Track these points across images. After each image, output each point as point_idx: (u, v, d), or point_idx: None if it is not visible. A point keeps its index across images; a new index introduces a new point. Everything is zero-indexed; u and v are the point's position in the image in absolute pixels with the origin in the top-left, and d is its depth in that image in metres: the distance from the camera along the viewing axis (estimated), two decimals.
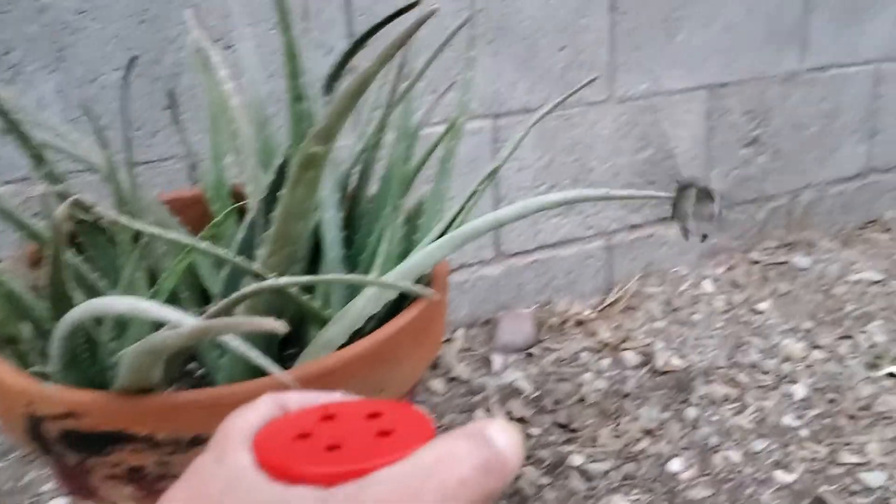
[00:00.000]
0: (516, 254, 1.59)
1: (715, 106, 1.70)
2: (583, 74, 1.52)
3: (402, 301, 0.79)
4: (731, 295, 1.66)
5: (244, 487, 0.29)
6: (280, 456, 0.30)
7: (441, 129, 0.93)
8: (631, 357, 1.45)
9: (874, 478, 1.17)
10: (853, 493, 1.15)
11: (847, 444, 1.22)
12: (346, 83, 0.67)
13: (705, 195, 0.94)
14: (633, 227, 1.69)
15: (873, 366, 1.41)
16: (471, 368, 1.43)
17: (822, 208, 1.93)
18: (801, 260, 1.78)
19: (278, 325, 0.42)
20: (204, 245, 0.68)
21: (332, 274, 0.84)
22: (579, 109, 1.55)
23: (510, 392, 1.36)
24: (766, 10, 1.70)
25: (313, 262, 0.90)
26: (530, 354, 1.47)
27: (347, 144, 1.01)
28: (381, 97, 0.93)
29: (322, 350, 0.74)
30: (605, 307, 1.63)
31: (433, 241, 0.78)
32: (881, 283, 1.70)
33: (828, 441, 1.23)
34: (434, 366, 1.42)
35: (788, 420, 1.28)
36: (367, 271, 0.87)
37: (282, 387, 0.55)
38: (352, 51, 0.86)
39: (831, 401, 1.32)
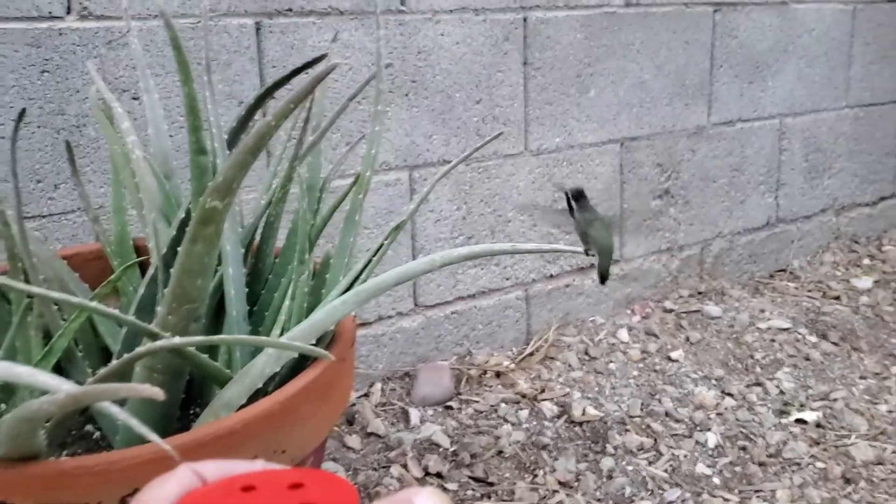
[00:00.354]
0: (435, 305, 1.58)
1: (627, 159, 1.74)
2: (498, 127, 1.55)
3: (306, 358, 0.77)
4: (646, 343, 1.68)
5: None
6: None
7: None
8: (549, 408, 1.45)
9: None
10: None
11: (758, 491, 1.23)
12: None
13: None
14: (551, 277, 1.71)
15: (782, 412, 1.44)
16: (388, 423, 1.41)
17: (733, 258, 1.99)
18: (712, 308, 1.82)
19: (156, 392, 0.40)
20: (94, 304, 0.66)
21: (234, 332, 0.82)
22: (495, 162, 1.57)
23: (427, 447, 1.34)
24: (674, 68, 1.76)
25: (217, 318, 0.88)
26: (449, 407, 1.46)
27: (255, 198, 0.99)
28: (291, 150, 0.92)
29: (222, 411, 0.71)
30: (524, 358, 1.63)
31: (339, 296, 0.77)
32: (789, 330, 1.74)
33: (739, 489, 1.24)
34: (350, 421, 1.40)
35: (701, 468, 1.29)
36: (272, 327, 0.85)
37: (178, 454, 0.53)
38: (257, 103, 0.85)
39: (742, 448, 1.34)
